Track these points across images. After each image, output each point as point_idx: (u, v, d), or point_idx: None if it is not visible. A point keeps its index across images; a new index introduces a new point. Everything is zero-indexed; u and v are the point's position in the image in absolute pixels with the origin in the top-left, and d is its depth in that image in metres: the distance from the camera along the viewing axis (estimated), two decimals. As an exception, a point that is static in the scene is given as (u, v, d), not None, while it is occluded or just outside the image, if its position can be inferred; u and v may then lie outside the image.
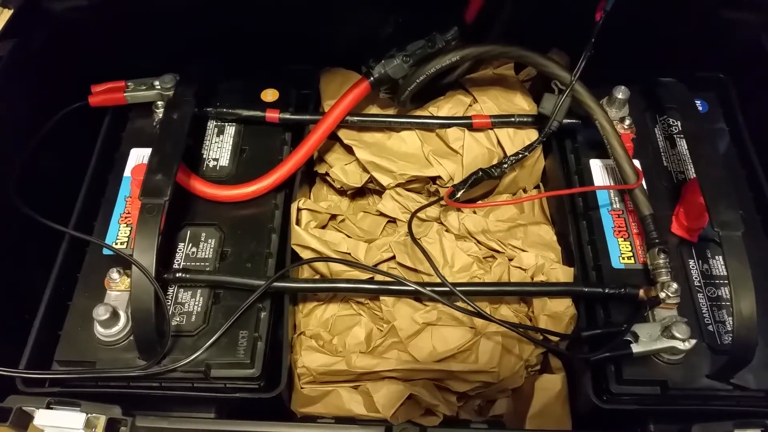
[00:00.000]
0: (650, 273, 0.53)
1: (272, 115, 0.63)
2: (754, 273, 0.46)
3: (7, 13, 0.63)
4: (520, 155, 0.61)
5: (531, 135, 0.64)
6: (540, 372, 0.58)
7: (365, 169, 0.64)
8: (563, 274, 0.58)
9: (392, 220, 0.65)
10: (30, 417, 0.47)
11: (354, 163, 0.65)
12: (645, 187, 0.56)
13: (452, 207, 0.62)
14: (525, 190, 0.68)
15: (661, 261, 0.52)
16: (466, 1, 0.61)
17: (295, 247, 0.58)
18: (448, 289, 0.53)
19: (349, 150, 0.65)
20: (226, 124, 0.64)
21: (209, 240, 0.57)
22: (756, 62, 0.65)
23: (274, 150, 0.63)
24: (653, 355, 0.50)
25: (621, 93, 0.59)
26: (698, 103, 0.65)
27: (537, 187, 0.69)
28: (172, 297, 0.53)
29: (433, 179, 0.64)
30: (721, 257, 0.55)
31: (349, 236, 0.62)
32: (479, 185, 0.61)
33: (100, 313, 0.49)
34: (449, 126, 0.64)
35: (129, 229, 0.57)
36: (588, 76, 0.57)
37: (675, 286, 0.50)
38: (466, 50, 0.59)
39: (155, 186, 0.51)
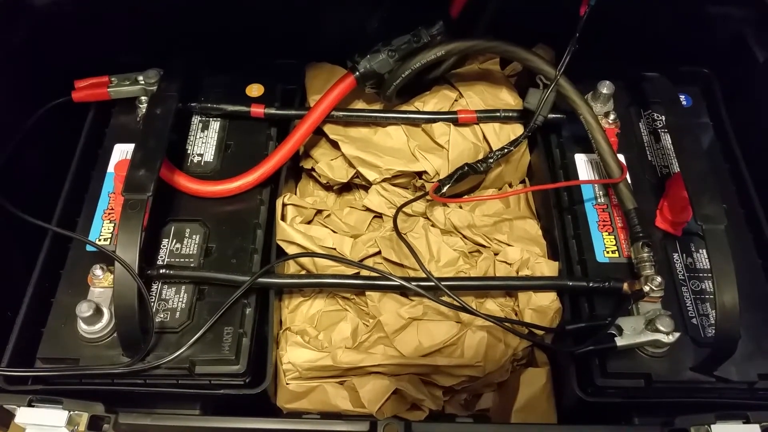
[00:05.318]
0: (634, 267, 0.53)
1: (257, 110, 0.63)
2: (737, 266, 0.47)
3: (-13, 8, 0.62)
4: (506, 150, 0.61)
5: (516, 130, 0.65)
6: (525, 366, 0.58)
7: (351, 165, 0.64)
8: (548, 268, 0.58)
9: (378, 216, 0.65)
10: (12, 415, 0.46)
11: (340, 158, 0.65)
12: (629, 181, 0.57)
13: (438, 202, 0.62)
14: (510, 185, 0.68)
15: (645, 255, 0.52)
16: (452, -4, 0.61)
17: (280, 243, 0.58)
18: (433, 283, 0.53)
19: (335, 145, 0.65)
20: (211, 119, 0.64)
21: (194, 236, 0.56)
22: (740, 57, 0.66)
23: (259, 145, 0.62)
24: (637, 348, 0.50)
25: (606, 88, 0.60)
26: (682, 97, 0.65)
27: (522, 181, 0.69)
28: (156, 293, 0.53)
29: (419, 174, 0.64)
30: (704, 251, 0.56)
31: (334, 231, 0.62)
32: (465, 180, 0.61)
33: (84, 309, 0.49)
34: (435, 121, 0.64)
35: (112, 225, 0.57)
36: (573, 70, 0.57)
37: (659, 279, 0.51)
38: (451, 45, 0.59)
39: (138, 182, 0.51)
